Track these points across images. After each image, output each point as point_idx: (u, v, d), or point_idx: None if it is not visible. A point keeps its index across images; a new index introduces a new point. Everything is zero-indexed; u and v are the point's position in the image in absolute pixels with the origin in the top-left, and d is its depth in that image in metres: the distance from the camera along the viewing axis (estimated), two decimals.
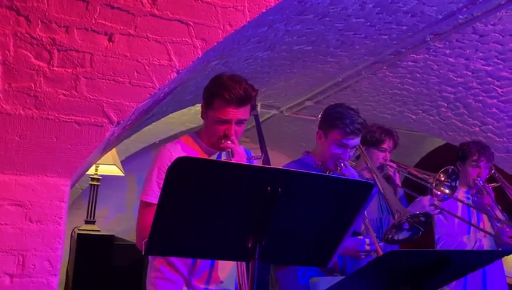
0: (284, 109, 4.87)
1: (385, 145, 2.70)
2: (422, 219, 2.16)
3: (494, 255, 1.84)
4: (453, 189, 2.61)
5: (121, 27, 1.82)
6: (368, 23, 2.85)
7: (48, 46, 1.76)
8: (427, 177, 2.65)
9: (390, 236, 2.17)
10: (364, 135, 2.62)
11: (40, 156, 1.79)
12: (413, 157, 6.13)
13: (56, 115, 1.79)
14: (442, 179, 2.61)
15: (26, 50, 1.74)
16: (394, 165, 2.66)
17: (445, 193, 2.60)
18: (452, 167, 2.64)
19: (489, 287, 2.95)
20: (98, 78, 1.81)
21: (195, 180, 1.22)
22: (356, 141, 2.21)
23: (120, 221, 6.07)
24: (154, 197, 1.79)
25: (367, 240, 2.08)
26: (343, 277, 1.90)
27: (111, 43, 1.82)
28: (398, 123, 4.46)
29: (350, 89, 4.09)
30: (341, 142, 2.17)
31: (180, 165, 1.19)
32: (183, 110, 4.06)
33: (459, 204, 3.06)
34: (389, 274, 1.44)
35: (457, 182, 2.62)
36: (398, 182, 2.89)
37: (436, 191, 2.59)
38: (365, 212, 2.19)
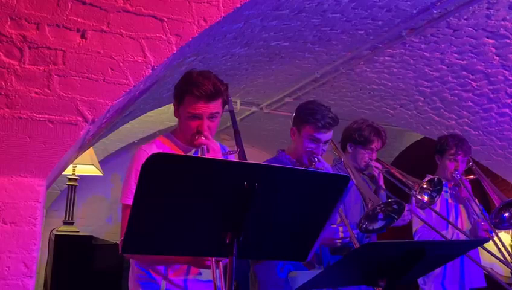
0: (264, 106, 4.87)
1: (373, 146, 2.64)
2: (395, 207, 2.20)
3: (468, 245, 1.87)
4: (432, 199, 2.62)
5: (94, 23, 1.79)
6: (344, 19, 2.86)
7: (18, 44, 1.72)
8: (412, 183, 2.61)
9: (365, 226, 2.20)
10: (352, 133, 2.62)
11: (12, 156, 1.75)
12: (392, 152, 6.19)
13: (29, 113, 1.75)
14: (425, 186, 2.61)
15: None
16: (379, 166, 2.63)
17: (424, 201, 2.61)
18: (438, 176, 2.63)
19: (467, 279, 3.00)
20: (71, 76, 1.78)
21: (170, 176, 1.21)
22: (328, 135, 2.27)
23: (99, 221, 6.02)
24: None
25: (340, 228, 2.14)
26: (321, 269, 1.91)
27: (84, 40, 1.78)
28: (377, 118, 4.48)
29: (328, 85, 4.11)
30: (313, 137, 2.24)
31: (155, 162, 1.17)
32: (161, 108, 4.03)
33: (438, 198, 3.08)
34: (365, 266, 1.45)
35: (438, 197, 2.62)
36: (382, 183, 2.81)
37: (418, 198, 2.59)
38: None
